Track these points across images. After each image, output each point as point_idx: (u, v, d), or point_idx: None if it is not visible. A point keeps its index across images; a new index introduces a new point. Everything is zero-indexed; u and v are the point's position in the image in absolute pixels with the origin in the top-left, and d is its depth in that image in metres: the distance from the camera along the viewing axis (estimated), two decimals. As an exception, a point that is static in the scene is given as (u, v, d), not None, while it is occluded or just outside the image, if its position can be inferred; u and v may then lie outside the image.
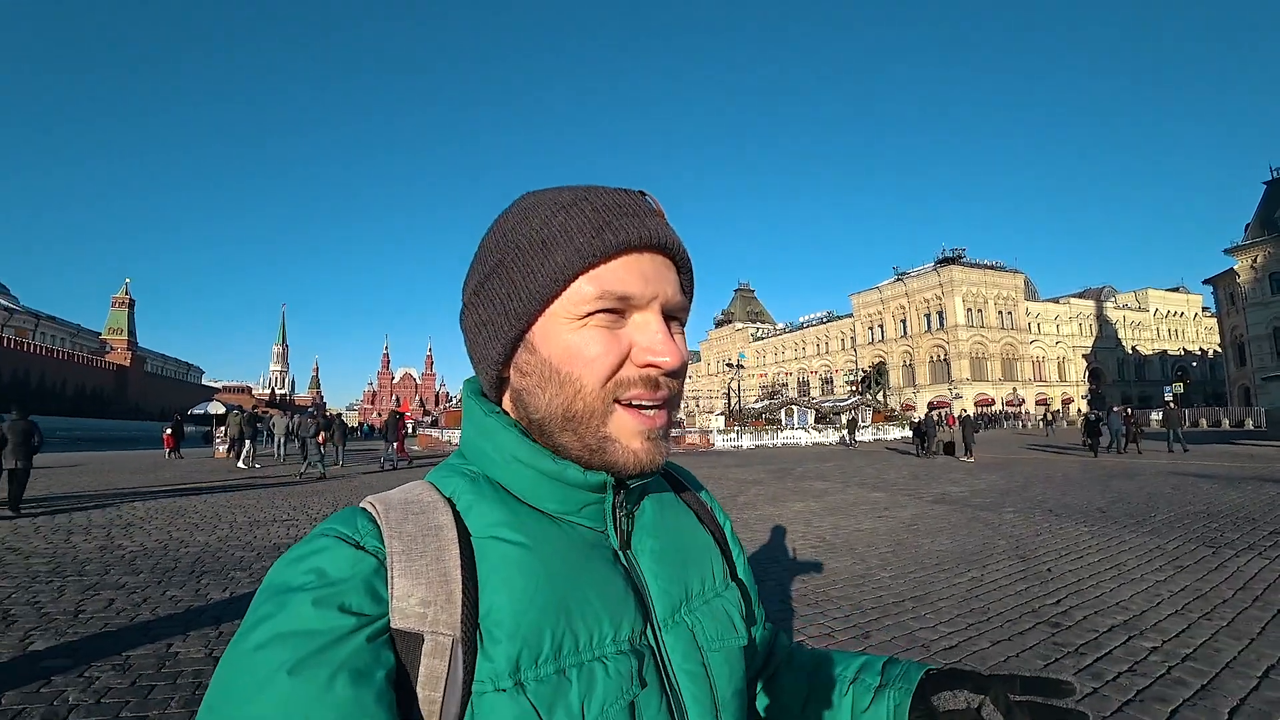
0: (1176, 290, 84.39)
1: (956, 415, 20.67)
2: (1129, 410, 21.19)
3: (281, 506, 9.81)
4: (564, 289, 0.49)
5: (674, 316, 0.52)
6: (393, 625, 0.43)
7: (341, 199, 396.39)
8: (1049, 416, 35.81)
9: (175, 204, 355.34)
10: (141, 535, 7.16)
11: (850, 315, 77.61)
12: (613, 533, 0.54)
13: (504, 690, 0.42)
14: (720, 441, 30.63)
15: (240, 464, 17.04)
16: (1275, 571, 5.15)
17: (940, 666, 0.56)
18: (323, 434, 15.40)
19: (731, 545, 0.67)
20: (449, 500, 0.51)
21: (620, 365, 0.49)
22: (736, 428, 33.14)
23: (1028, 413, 60.79)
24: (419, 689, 0.42)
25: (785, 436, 31.57)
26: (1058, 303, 74.76)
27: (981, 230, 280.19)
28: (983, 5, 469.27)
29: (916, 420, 24.37)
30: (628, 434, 0.50)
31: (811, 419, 35.44)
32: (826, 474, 14.91)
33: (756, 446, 29.71)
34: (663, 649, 0.51)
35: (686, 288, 0.55)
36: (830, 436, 32.10)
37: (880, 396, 42.44)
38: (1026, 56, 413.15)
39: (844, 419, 32.72)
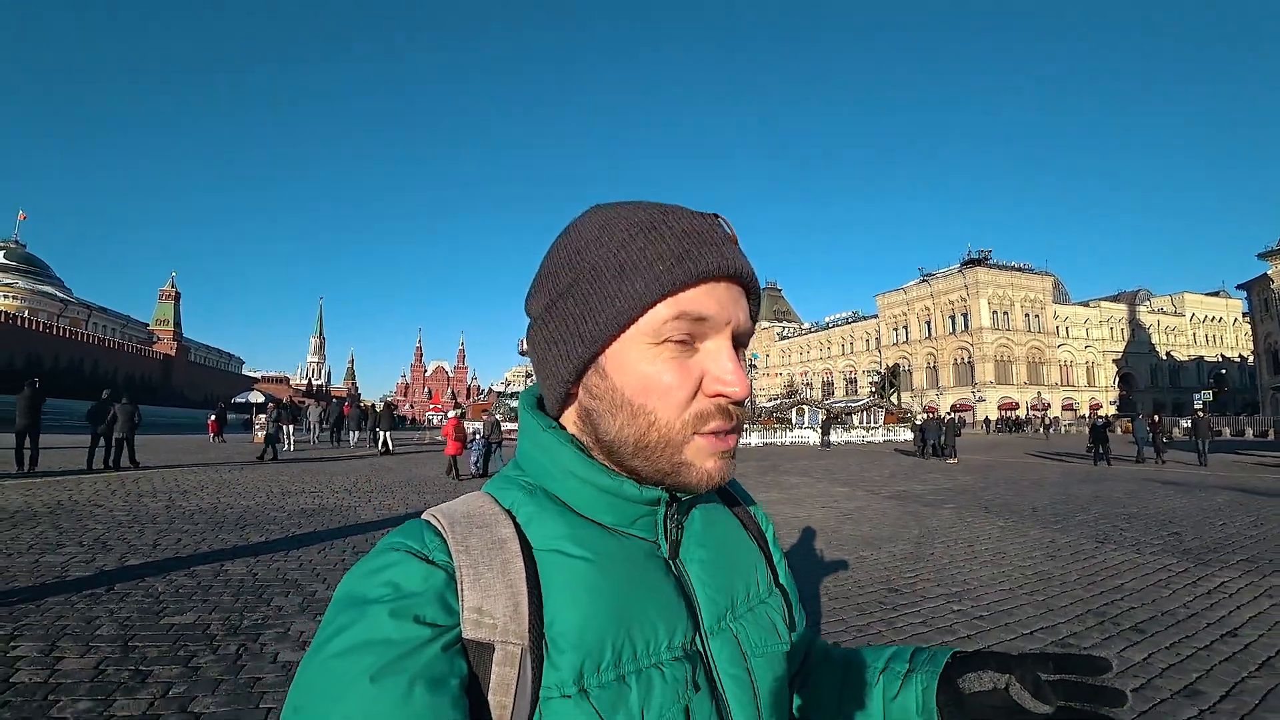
0: (1216, 294, 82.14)
1: (941, 417, 20.98)
2: (1156, 417, 20.14)
3: (309, 481, 11.48)
4: (640, 316, 0.49)
5: (740, 342, 0.53)
6: (464, 635, 0.45)
7: (379, 195, 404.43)
8: (1047, 421, 35.96)
9: (220, 201, 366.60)
10: (196, 499, 8.75)
11: (875, 316, 77.64)
12: (663, 542, 0.55)
13: (569, 696, 0.44)
14: (730, 438, 31.57)
15: (261, 458, 16.09)
16: (1134, 563, 5.85)
17: (968, 650, 0.56)
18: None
19: (773, 551, 0.68)
20: (509, 512, 0.52)
21: (693, 397, 0.50)
22: (746, 425, 34.11)
23: (1054, 419, 60.06)
24: (490, 695, 0.44)
25: (794, 436, 32.51)
26: (1088, 306, 73.62)
27: (1013, 231, 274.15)
28: (1015, 8, 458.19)
29: (918, 423, 25.04)
30: (703, 456, 0.51)
31: (821, 419, 36.27)
32: (810, 471, 15.97)
33: (765, 444, 30.70)
34: (709, 655, 0.53)
35: (754, 313, 0.55)
36: (837, 436, 32.91)
37: (894, 399, 42.90)
38: (1059, 55, 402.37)
39: (820, 420, 33.48)
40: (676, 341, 0.50)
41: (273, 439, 15.96)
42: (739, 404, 0.52)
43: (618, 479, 0.52)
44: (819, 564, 5.84)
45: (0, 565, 4.91)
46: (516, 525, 0.51)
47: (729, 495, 0.69)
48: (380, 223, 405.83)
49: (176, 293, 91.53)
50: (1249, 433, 43.75)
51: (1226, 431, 44.74)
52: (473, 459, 14.37)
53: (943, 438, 19.92)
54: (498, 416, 17.49)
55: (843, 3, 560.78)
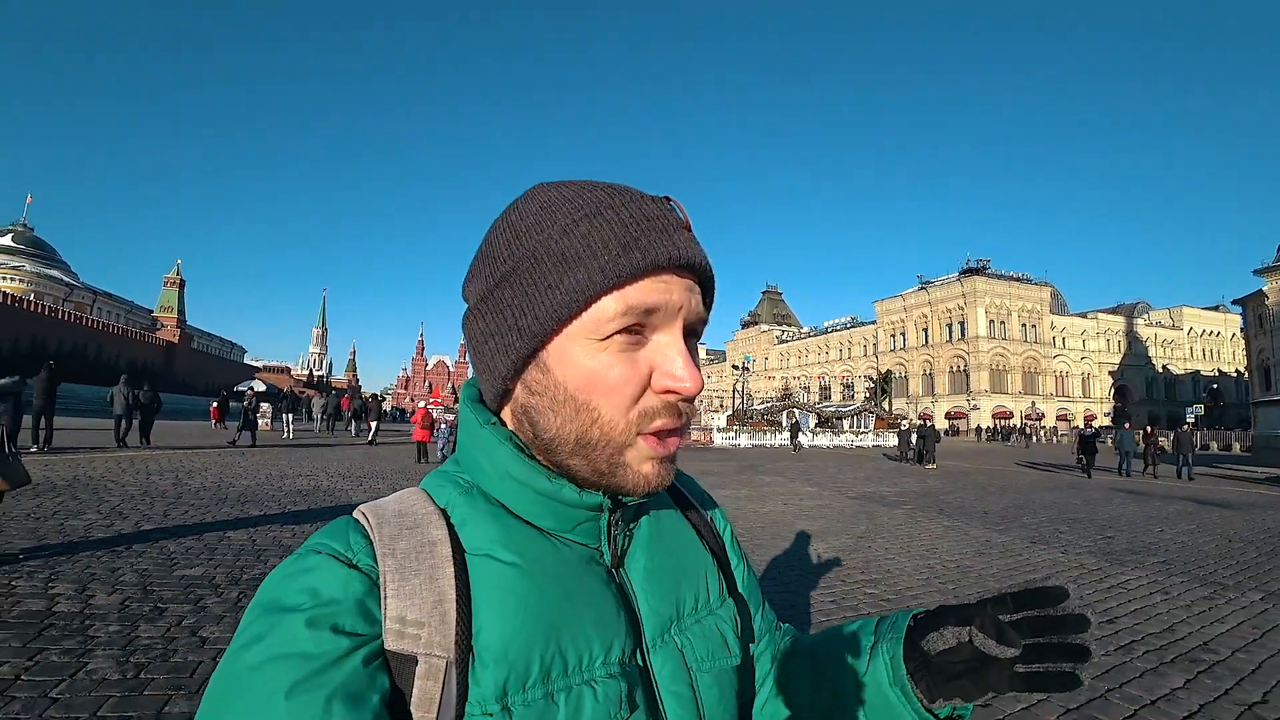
0: (1215, 309, 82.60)
1: (924, 425, 21.47)
2: (1149, 428, 19.80)
3: (305, 466, 12.20)
4: (584, 309, 0.46)
5: (692, 333, 0.50)
6: (386, 647, 0.42)
7: (385, 188, 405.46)
8: (1027, 430, 36.44)
9: (227, 189, 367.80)
10: (201, 478, 9.43)
11: (874, 322, 78.30)
12: (606, 550, 0.53)
13: (490, 715, 0.42)
14: (720, 439, 32.54)
15: (233, 443, 16.30)
16: (1055, 561, 6.39)
17: (927, 609, 0.53)
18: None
19: (731, 557, 0.65)
20: (442, 511, 0.50)
21: (641, 393, 0.47)
22: (737, 427, 34.89)
23: (1034, 429, 60.43)
24: (413, 709, 0.42)
25: (783, 438, 33.17)
26: (1085, 317, 74.30)
27: (1014, 240, 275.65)
28: (1018, 13, 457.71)
29: (904, 428, 25.65)
30: (640, 459, 0.48)
31: (812, 422, 36.92)
32: (786, 471, 16.63)
33: (754, 446, 31.42)
34: (651, 670, 0.50)
35: (708, 302, 0.52)
36: (826, 439, 33.55)
37: (885, 404, 43.56)
38: (1062, 67, 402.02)
39: (787, 423, 34.04)
40: (624, 335, 0.46)
41: (252, 425, 16.34)
42: (689, 401, 0.49)
43: (557, 482, 0.50)
44: (756, 548, 6.48)
45: (31, 526, 5.59)
46: (450, 526, 0.49)
47: (684, 499, 0.66)
48: (386, 214, 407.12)
49: (181, 280, 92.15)
50: (1236, 447, 44.22)
51: (1214, 446, 45.26)
52: (440, 445, 15.47)
53: (924, 444, 20.49)
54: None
55: (849, 5, 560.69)
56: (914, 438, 21.31)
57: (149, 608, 3.76)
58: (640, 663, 0.50)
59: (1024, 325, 67.75)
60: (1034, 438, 36.14)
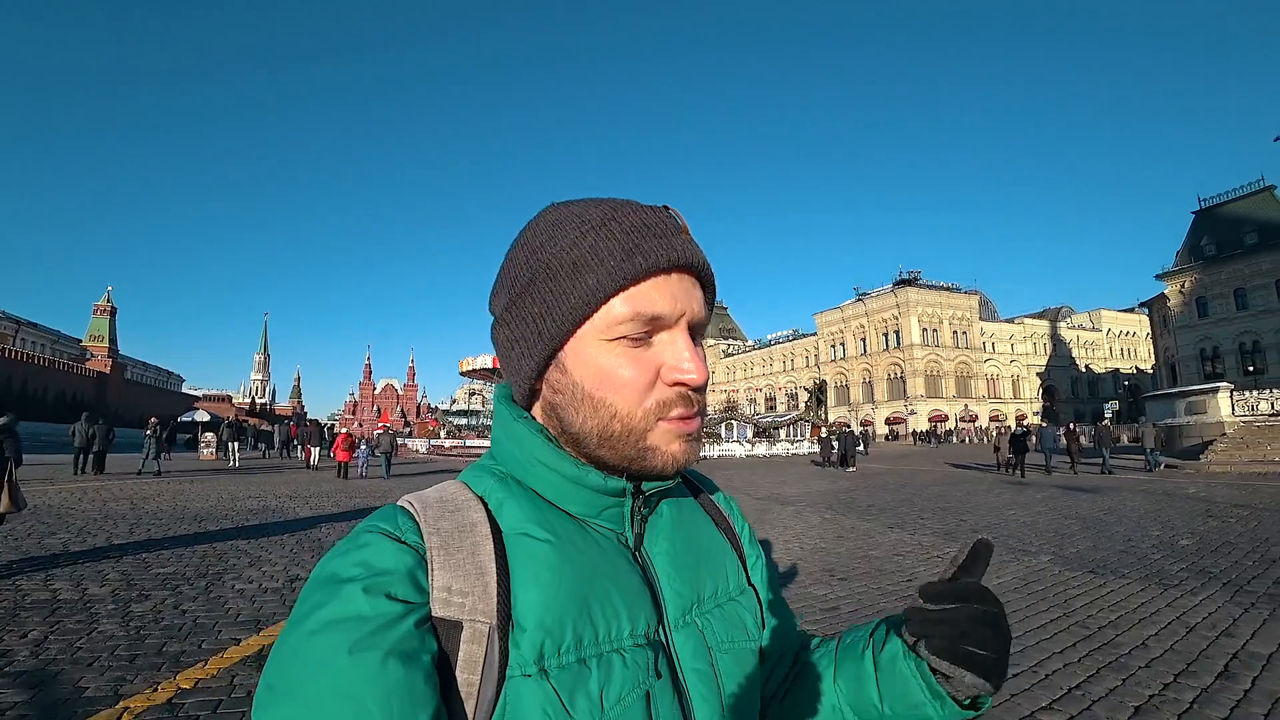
0: (1131, 311, 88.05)
1: (830, 431, 23.00)
2: (1072, 425, 20.87)
3: (254, 489, 13.17)
4: (595, 311, 0.51)
5: (696, 330, 0.54)
6: (434, 613, 0.46)
7: (327, 208, 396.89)
8: (938, 432, 38.59)
9: (158, 211, 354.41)
10: (156, 503, 10.28)
11: (815, 333, 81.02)
12: (629, 534, 0.57)
13: (529, 676, 0.46)
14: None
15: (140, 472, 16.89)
16: (898, 541, 7.45)
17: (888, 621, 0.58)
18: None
19: (748, 550, 0.69)
20: (480, 498, 0.55)
21: (651, 387, 0.52)
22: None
23: (980, 428, 64.14)
24: (458, 672, 0.45)
25: (722, 449, 34.72)
26: (1013, 323, 78.16)
27: (944, 252, 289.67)
28: (946, 28, 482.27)
29: (823, 436, 27.40)
30: (668, 439, 0.53)
31: (750, 433, 38.66)
32: (711, 477, 17.83)
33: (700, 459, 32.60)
34: (673, 647, 0.54)
35: (709, 302, 0.56)
36: (764, 449, 35.28)
37: (822, 413, 45.61)
38: (991, 84, 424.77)
39: (725, 435, 35.79)
40: (632, 335, 0.51)
41: (161, 452, 17.01)
42: (698, 390, 0.54)
43: (583, 468, 0.54)
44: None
45: (14, 544, 6.47)
46: (488, 510, 0.53)
47: (699, 491, 0.70)
48: (327, 238, 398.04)
49: (112, 308, 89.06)
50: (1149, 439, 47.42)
51: (1125, 438, 48.48)
52: (361, 465, 18.22)
53: (844, 448, 22.11)
54: (393, 432, 20.59)
55: (775, 17, 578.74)
56: (835, 443, 22.93)
57: (135, 594, 4.79)
58: (662, 639, 0.54)
59: (955, 332, 70.87)
60: (957, 439, 38.47)
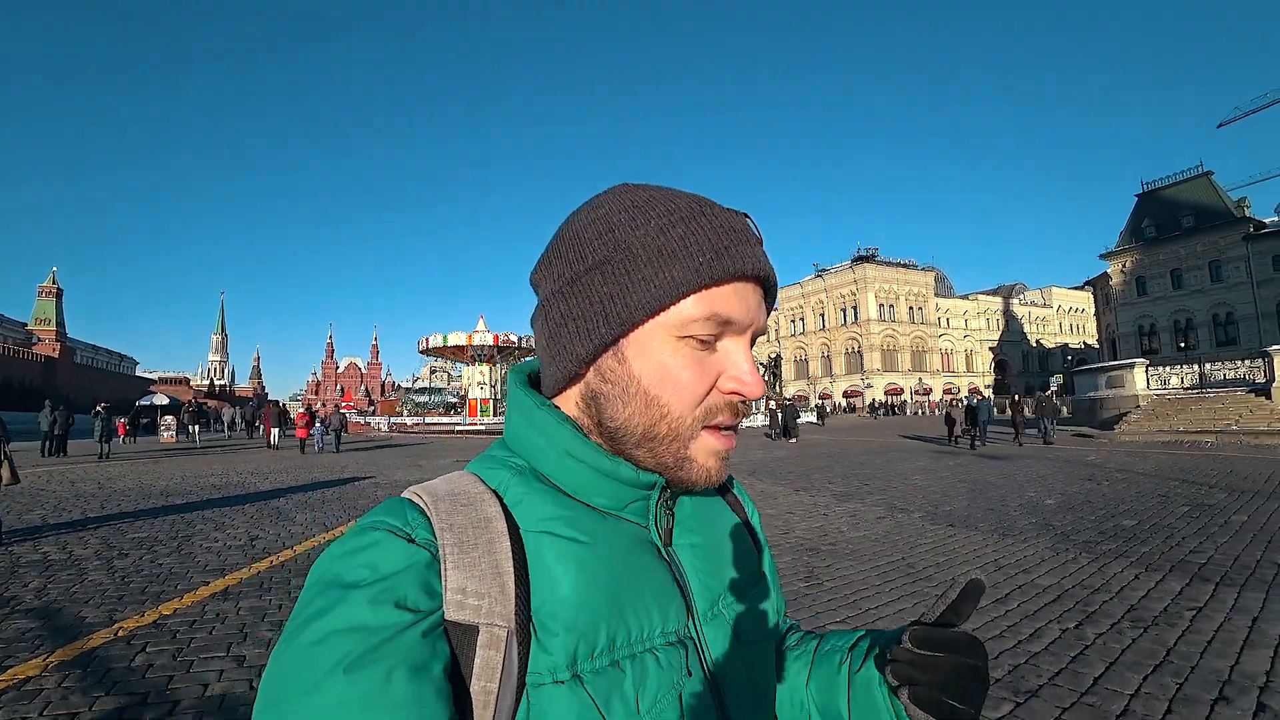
0: (1080, 288, 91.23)
1: (776, 405, 24.18)
2: (1017, 397, 21.57)
3: (216, 467, 13.84)
4: (672, 305, 0.48)
5: (754, 340, 0.53)
6: (447, 617, 0.43)
7: (284, 182, 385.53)
8: (874, 403, 40.20)
9: (105, 189, 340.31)
10: (122, 482, 10.94)
11: (776, 308, 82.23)
12: (654, 528, 0.54)
13: (562, 682, 0.43)
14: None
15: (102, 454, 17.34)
16: (810, 503, 8.46)
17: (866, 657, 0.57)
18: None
19: (760, 537, 0.68)
20: (495, 492, 0.51)
21: (707, 393, 0.50)
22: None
23: (933, 401, 66.73)
24: (474, 681, 0.42)
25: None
26: (967, 299, 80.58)
27: (900, 229, 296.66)
28: (903, 11, 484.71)
29: (770, 408, 28.51)
30: (706, 454, 0.51)
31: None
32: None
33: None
34: (703, 641, 0.52)
35: (768, 314, 0.55)
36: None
37: (776, 387, 46.97)
38: (948, 68, 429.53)
39: None
40: (700, 337, 0.49)
41: (109, 436, 16.90)
42: (748, 402, 0.53)
43: (615, 460, 0.51)
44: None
45: (-5, 520, 7.11)
46: (503, 505, 0.50)
47: (722, 485, 0.69)
48: (285, 213, 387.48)
49: (58, 289, 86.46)
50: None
51: (1065, 410, 50.64)
52: (317, 440, 19.37)
53: (786, 420, 23.35)
54: (343, 413, 23.07)
55: (736, 9, 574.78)
56: (779, 416, 24.15)
57: (115, 553, 5.58)
58: (692, 634, 0.52)
59: (911, 308, 72.75)
60: (910, 411, 40.21)
